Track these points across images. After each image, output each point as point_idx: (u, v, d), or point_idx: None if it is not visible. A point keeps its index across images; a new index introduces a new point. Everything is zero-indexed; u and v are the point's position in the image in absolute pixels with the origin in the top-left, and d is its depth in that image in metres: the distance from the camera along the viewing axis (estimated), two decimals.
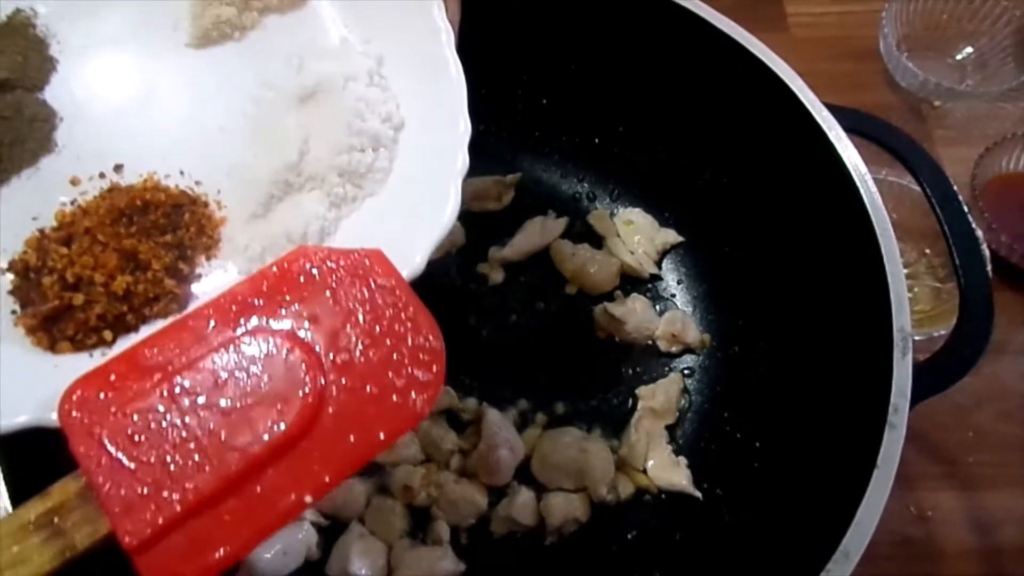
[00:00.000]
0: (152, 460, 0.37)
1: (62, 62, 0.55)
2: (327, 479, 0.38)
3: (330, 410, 0.39)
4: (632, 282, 0.82)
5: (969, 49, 1.04)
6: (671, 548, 0.68)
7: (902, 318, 0.59)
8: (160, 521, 0.35)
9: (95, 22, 0.57)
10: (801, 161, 0.67)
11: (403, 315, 0.41)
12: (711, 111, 0.74)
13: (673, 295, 0.82)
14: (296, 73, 0.53)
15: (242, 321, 0.41)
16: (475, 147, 0.48)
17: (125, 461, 0.36)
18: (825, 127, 0.65)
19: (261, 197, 0.50)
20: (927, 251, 0.92)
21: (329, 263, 0.42)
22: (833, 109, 0.65)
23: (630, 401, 0.76)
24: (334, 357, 0.40)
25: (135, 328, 0.47)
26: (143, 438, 0.37)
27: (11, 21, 0.55)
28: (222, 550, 0.36)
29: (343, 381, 0.39)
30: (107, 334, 0.46)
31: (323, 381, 0.39)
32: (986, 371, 0.93)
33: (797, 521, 0.58)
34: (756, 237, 0.75)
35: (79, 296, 0.45)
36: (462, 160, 0.47)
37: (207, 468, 0.37)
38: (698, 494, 0.70)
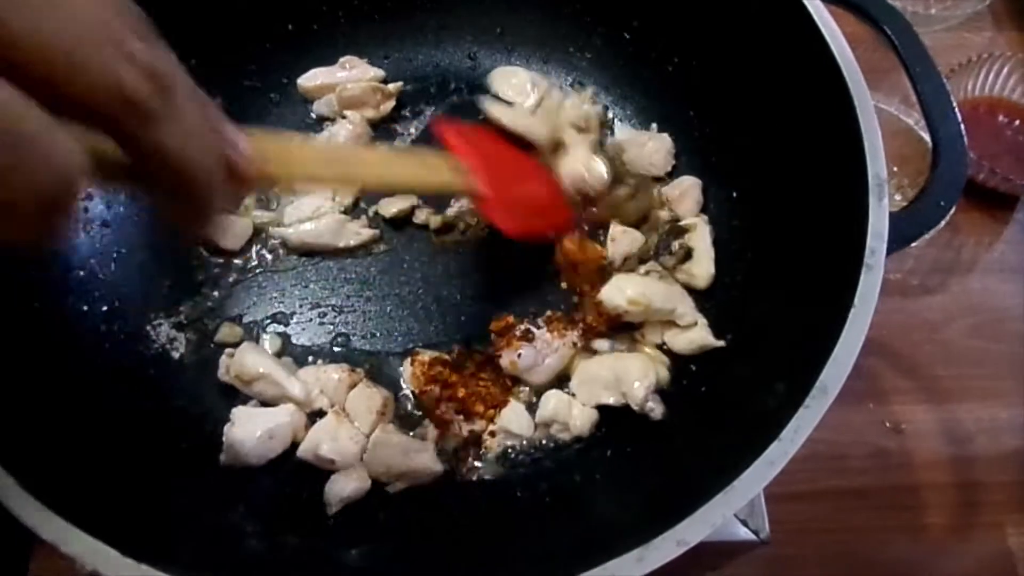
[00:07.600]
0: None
1: None
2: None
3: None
4: None
5: None
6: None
7: (877, 164, 0.58)
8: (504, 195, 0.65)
9: None
10: (772, 23, 0.66)
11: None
12: None
13: None
14: None
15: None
16: None
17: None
18: None
19: None
20: (895, 169, 0.93)
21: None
22: None
23: None
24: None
25: None
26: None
27: None
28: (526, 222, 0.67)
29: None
30: None
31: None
32: (955, 288, 0.93)
33: (777, 363, 0.57)
34: (729, 112, 0.73)
35: None
36: None
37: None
38: (721, 343, 0.67)
